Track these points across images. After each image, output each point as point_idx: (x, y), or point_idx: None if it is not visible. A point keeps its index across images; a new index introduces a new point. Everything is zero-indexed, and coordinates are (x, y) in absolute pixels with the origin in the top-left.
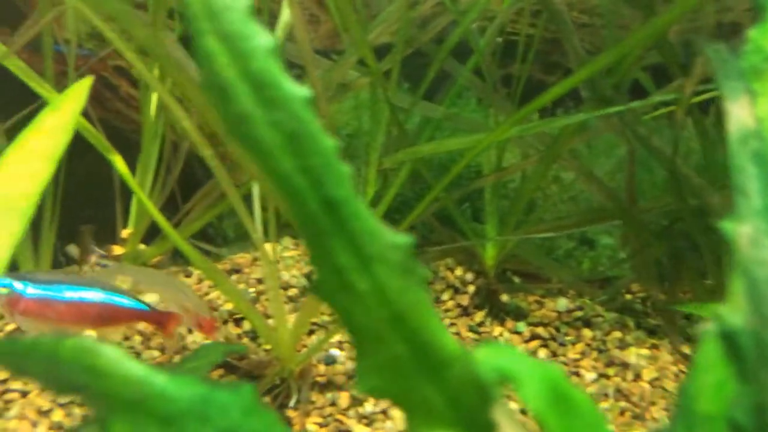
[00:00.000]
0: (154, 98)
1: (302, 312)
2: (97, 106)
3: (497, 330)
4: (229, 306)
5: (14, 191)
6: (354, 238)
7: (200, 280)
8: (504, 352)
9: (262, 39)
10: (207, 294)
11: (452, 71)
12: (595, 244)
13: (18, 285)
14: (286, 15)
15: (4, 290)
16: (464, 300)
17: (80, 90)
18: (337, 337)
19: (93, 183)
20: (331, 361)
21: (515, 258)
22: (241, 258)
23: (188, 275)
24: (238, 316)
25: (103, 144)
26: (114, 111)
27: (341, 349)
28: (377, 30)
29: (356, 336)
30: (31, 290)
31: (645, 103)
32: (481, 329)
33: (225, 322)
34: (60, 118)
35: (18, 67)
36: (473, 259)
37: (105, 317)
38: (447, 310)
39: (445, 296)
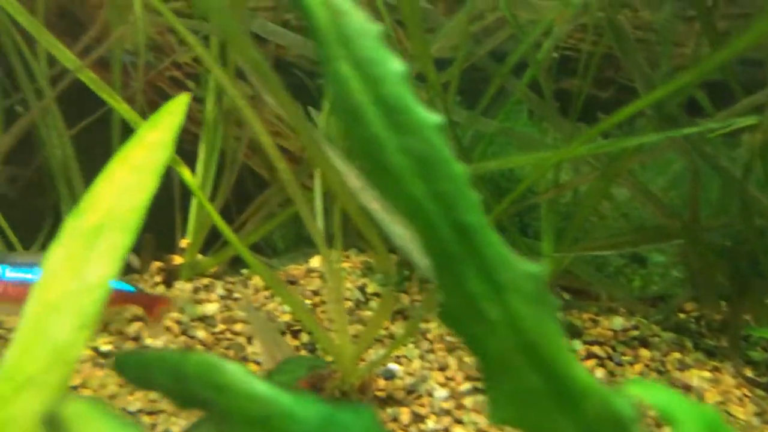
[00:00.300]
0: (210, 110)
1: (368, 326)
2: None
3: None
4: (286, 317)
5: (122, 205)
6: (486, 265)
7: (257, 291)
8: (655, 389)
9: (394, 64)
10: (264, 305)
11: (506, 85)
12: (647, 261)
13: None
14: None
15: None
16: None
17: (178, 106)
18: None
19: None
20: (390, 375)
21: (566, 274)
22: (295, 269)
23: (245, 285)
24: (295, 327)
25: (173, 157)
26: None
27: (399, 363)
28: (438, 44)
29: (486, 364)
30: (10, 273)
31: (722, 124)
32: None
33: (283, 333)
34: (160, 133)
35: (89, 78)
36: None
37: None
38: None
39: None
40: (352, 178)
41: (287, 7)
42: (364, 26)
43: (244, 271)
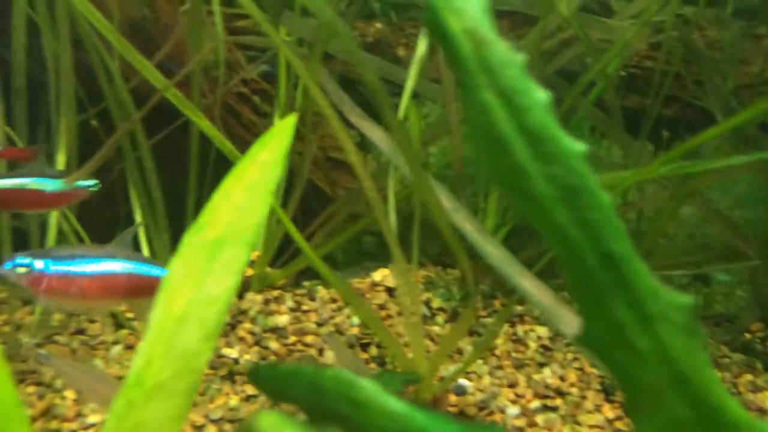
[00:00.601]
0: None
1: (444, 342)
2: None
3: None
4: (354, 331)
5: (239, 221)
6: (635, 295)
7: (323, 303)
8: None
9: (538, 94)
10: (332, 317)
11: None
12: (710, 280)
13: (38, 263)
14: (421, 49)
15: (23, 269)
16: None
17: (286, 127)
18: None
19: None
20: (461, 391)
21: None
22: (360, 283)
23: (312, 298)
24: (364, 341)
25: None
26: (236, 136)
27: (469, 379)
28: None
29: (632, 393)
30: (53, 267)
31: None
32: None
33: (351, 346)
34: (271, 153)
35: (174, 95)
36: None
37: (130, 289)
38: (568, 344)
39: None
40: (444, 199)
41: (352, 25)
42: (509, 56)
43: (306, 283)
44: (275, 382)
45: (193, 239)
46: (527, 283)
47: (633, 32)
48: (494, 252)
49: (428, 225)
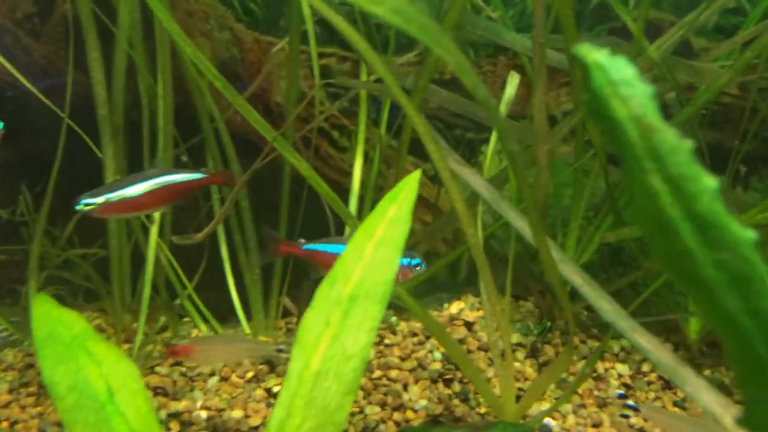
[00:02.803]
0: (358, 161)
1: (535, 384)
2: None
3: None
4: (437, 366)
5: (373, 277)
6: None
7: (404, 337)
8: None
9: (707, 181)
10: (414, 352)
11: None
12: None
13: (99, 199)
14: (510, 91)
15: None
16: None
17: (413, 182)
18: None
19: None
20: (547, 431)
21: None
22: (439, 317)
23: (394, 332)
24: (447, 376)
25: (341, 207)
26: (313, 168)
27: (554, 418)
28: None
29: None
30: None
31: None
32: (686, 404)
33: (434, 381)
34: (399, 208)
35: (276, 139)
36: (671, 330)
37: (172, 195)
38: (650, 383)
39: (645, 367)
40: (552, 250)
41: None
42: (677, 143)
43: None
44: None
45: (328, 293)
46: (643, 340)
47: (726, 78)
48: (607, 307)
49: (496, 256)
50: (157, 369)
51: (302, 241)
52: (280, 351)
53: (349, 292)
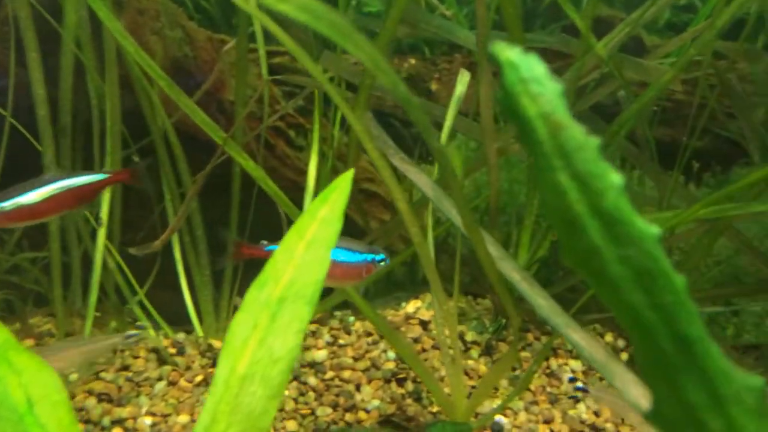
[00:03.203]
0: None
1: (484, 381)
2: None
3: None
4: (390, 365)
5: (303, 278)
6: (708, 377)
7: (359, 337)
8: None
9: (613, 178)
10: (368, 352)
11: (599, 132)
12: (740, 310)
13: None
14: (460, 89)
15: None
16: None
17: (345, 183)
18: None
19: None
20: (498, 428)
21: None
22: (395, 316)
23: (348, 332)
24: (400, 376)
25: (290, 208)
26: (270, 169)
27: (505, 415)
28: None
29: None
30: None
31: None
32: None
33: (387, 381)
34: (330, 209)
35: (220, 137)
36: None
37: (73, 199)
38: (602, 378)
39: None
40: (491, 247)
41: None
42: (584, 140)
43: (338, 313)
44: None
45: (257, 296)
46: (577, 336)
47: (671, 75)
48: (543, 303)
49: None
50: (102, 375)
51: (264, 242)
52: (129, 337)
53: (279, 293)
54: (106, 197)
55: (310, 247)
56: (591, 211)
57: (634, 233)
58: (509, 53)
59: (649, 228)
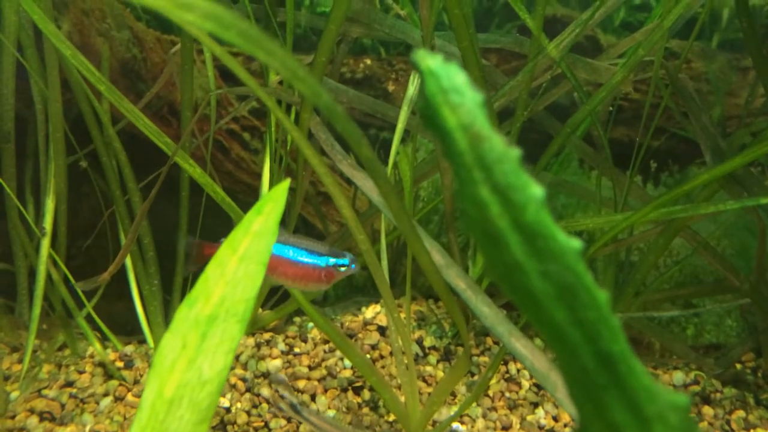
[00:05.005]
0: (267, 163)
1: (438, 388)
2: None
3: None
4: (347, 374)
5: (234, 295)
6: (632, 395)
7: (315, 345)
8: None
9: (534, 190)
10: (324, 360)
11: (554, 133)
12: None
13: None
14: (412, 90)
15: None
16: None
17: (280, 193)
18: (453, 409)
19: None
20: None
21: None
22: (353, 322)
23: (304, 340)
24: (357, 384)
25: (238, 214)
26: (225, 172)
27: (462, 423)
28: (501, 100)
29: None
30: None
31: None
32: None
33: (344, 390)
34: (264, 221)
35: (165, 143)
36: None
37: None
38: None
39: None
40: (436, 254)
41: (341, 61)
42: (504, 152)
43: (297, 319)
44: None
45: (187, 314)
46: (519, 344)
47: (621, 75)
48: (487, 311)
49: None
50: (45, 392)
51: (223, 240)
52: None
53: (209, 311)
54: (50, 206)
55: (242, 261)
56: (512, 225)
57: (555, 248)
58: (429, 62)
59: (570, 242)
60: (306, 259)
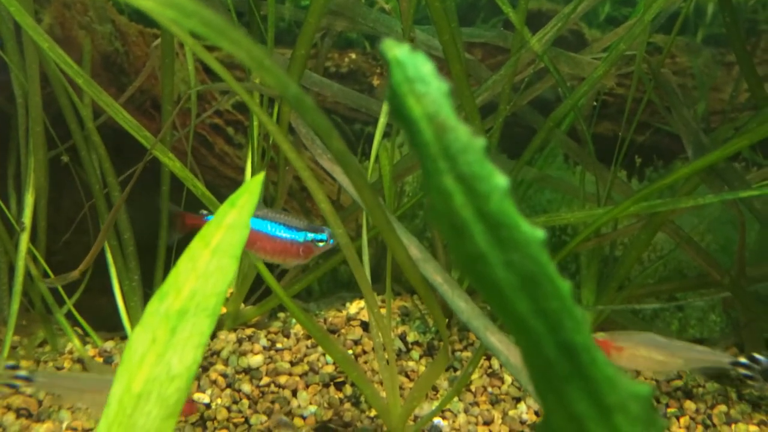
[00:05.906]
0: (250, 158)
1: (419, 383)
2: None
3: None
4: (329, 369)
5: (205, 289)
6: (593, 385)
7: (298, 340)
8: None
9: (498, 180)
10: (306, 356)
11: (538, 128)
12: (684, 305)
13: None
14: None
15: None
16: None
17: (255, 186)
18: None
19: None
20: (437, 431)
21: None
22: (336, 318)
23: (287, 335)
24: (339, 380)
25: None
26: (209, 167)
27: (444, 418)
28: (483, 95)
29: None
30: None
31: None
32: None
33: (326, 385)
34: (238, 214)
35: (145, 137)
36: None
37: None
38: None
39: None
40: (414, 249)
41: (326, 55)
42: (469, 142)
43: (281, 314)
44: None
45: (157, 308)
46: (494, 338)
47: (602, 69)
48: (463, 306)
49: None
50: (22, 388)
51: (204, 212)
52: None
53: (179, 305)
54: (29, 201)
55: (214, 255)
56: (476, 215)
57: (519, 237)
58: (396, 51)
59: (534, 232)
60: (284, 233)
